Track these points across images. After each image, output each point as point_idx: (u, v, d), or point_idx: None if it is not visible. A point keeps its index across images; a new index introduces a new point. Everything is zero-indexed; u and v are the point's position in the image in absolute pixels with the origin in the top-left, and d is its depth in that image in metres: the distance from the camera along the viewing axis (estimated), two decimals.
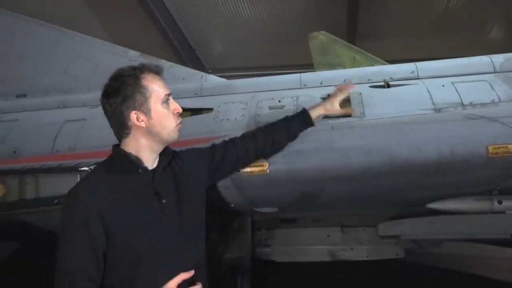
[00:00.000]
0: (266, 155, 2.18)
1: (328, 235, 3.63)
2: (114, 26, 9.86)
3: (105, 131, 3.42)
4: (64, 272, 1.49)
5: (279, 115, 3.29)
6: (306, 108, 2.31)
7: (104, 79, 4.20)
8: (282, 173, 2.24)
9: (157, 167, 1.75)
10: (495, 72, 3.37)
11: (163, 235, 1.63)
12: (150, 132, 1.68)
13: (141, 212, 1.61)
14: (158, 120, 1.67)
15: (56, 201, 2.40)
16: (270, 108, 3.42)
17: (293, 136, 2.24)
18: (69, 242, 1.54)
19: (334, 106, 2.36)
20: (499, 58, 3.47)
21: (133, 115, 1.66)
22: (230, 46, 10.63)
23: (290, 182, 2.28)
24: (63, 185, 2.39)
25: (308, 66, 4.75)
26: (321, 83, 3.62)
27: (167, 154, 1.82)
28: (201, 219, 1.84)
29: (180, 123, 1.73)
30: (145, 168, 1.70)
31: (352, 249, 3.60)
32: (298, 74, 3.75)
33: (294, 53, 8.74)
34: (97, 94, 3.94)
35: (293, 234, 3.75)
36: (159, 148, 1.75)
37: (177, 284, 1.50)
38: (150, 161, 1.74)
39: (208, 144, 2.12)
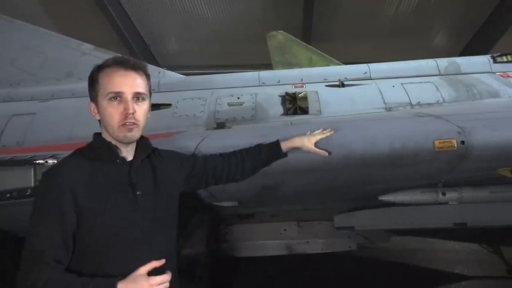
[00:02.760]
0: (237, 180, 2.14)
1: (285, 229, 3.71)
2: (62, 19, 9.43)
3: (56, 125, 3.37)
4: (33, 250, 1.46)
5: (238, 111, 3.38)
6: (281, 139, 2.24)
7: (55, 72, 4.08)
8: None
9: (134, 159, 1.72)
10: (440, 75, 3.63)
11: (134, 225, 1.61)
12: (103, 125, 1.68)
13: (114, 200, 1.59)
14: (103, 115, 1.64)
15: (8, 195, 2.27)
16: (229, 104, 3.46)
17: (264, 165, 2.20)
18: (41, 220, 1.50)
19: (311, 143, 2.24)
20: (443, 62, 3.75)
21: (90, 106, 1.69)
22: (185, 43, 10.53)
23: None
24: (15, 179, 2.29)
25: (266, 66, 4.82)
26: (278, 82, 3.71)
27: (146, 148, 1.78)
28: (174, 216, 1.83)
29: (129, 125, 1.60)
30: (123, 158, 1.68)
31: (307, 242, 3.70)
32: (256, 72, 3.82)
33: (250, 53, 8.84)
34: (47, 87, 3.87)
35: (250, 229, 3.80)
36: (120, 143, 1.68)
37: (147, 271, 1.47)
38: (127, 152, 1.71)
39: (188, 154, 2.11)
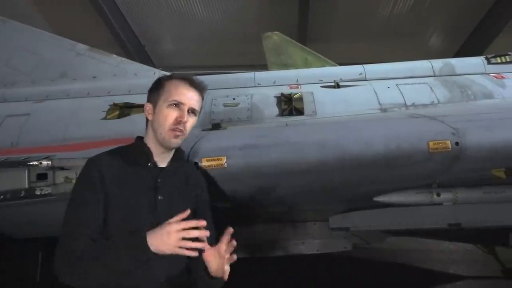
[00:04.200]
0: None
1: (281, 230, 3.70)
2: (56, 19, 9.39)
3: (51, 126, 3.35)
4: (69, 228, 1.60)
5: (234, 112, 3.38)
6: None
7: (50, 72, 4.07)
8: (240, 167, 2.27)
9: (167, 166, 1.85)
10: (434, 76, 3.64)
11: (150, 227, 1.59)
12: (153, 126, 1.83)
13: (134, 200, 1.70)
14: (157, 117, 1.80)
15: (1, 197, 2.25)
16: (225, 105, 3.46)
17: None
18: (74, 202, 1.67)
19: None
20: (438, 63, 3.77)
21: (147, 106, 1.87)
22: (181, 43, 10.50)
23: (248, 176, 2.32)
24: (9, 180, 2.28)
25: (261, 67, 4.82)
26: (274, 82, 3.71)
27: (180, 158, 1.95)
28: None
29: (178, 131, 1.77)
30: (155, 163, 1.82)
31: (303, 243, 3.69)
32: (252, 73, 3.81)
33: (246, 53, 8.83)
34: (42, 88, 3.86)
35: (246, 230, 3.78)
36: (162, 147, 1.82)
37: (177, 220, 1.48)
38: (163, 157, 1.85)
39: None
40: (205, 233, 1.49)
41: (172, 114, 1.78)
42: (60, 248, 1.57)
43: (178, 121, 1.77)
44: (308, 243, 3.68)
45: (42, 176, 2.39)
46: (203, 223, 1.50)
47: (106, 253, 1.51)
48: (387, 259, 5.87)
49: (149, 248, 1.46)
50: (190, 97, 1.83)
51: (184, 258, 1.71)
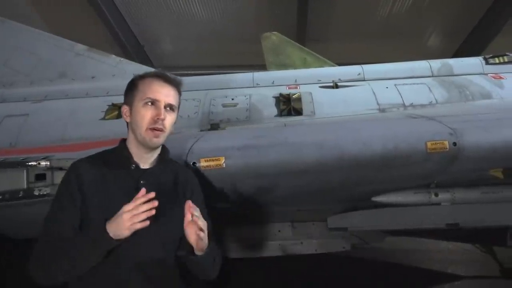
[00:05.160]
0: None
1: (279, 231, 3.70)
2: (55, 19, 9.37)
3: (50, 126, 3.36)
4: (45, 232, 1.66)
5: (232, 112, 3.39)
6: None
7: (49, 73, 4.07)
8: (238, 167, 2.28)
9: (152, 167, 1.84)
10: (432, 76, 3.65)
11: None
12: (131, 127, 1.82)
13: (114, 203, 1.65)
14: (134, 117, 1.78)
15: (0, 197, 2.25)
16: (224, 105, 3.46)
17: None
18: (54, 206, 1.71)
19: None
20: (436, 63, 3.78)
21: (124, 108, 1.85)
22: (180, 43, 10.50)
23: (246, 176, 2.32)
24: (8, 180, 2.28)
25: (260, 67, 4.83)
26: (273, 83, 3.72)
27: (164, 159, 1.90)
28: (175, 227, 1.74)
29: (157, 130, 1.75)
30: (137, 165, 1.80)
31: (302, 243, 3.69)
32: (251, 73, 3.82)
33: (245, 53, 8.83)
34: (41, 88, 3.86)
35: (245, 230, 3.78)
36: (143, 148, 1.80)
37: (131, 207, 1.53)
38: (146, 158, 1.83)
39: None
40: (153, 204, 1.53)
41: (148, 113, 1.76)
42: (35, 251, 1.61)
43: (155, 120, 1.75)
44: (307, 243, 3.68)
45: (40, 177, 2.38)
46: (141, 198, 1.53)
47: (71, 248, 1.56)
48: (386, 259, 5.87)
49: (110, 237, 1.52)
50: (165, 93, 1.80)
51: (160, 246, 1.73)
